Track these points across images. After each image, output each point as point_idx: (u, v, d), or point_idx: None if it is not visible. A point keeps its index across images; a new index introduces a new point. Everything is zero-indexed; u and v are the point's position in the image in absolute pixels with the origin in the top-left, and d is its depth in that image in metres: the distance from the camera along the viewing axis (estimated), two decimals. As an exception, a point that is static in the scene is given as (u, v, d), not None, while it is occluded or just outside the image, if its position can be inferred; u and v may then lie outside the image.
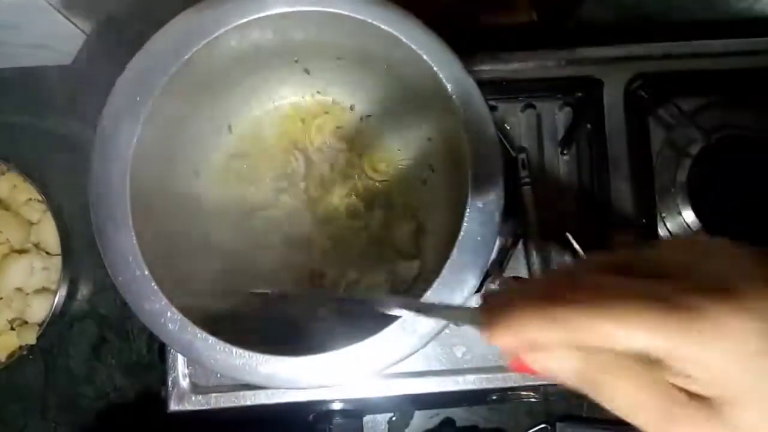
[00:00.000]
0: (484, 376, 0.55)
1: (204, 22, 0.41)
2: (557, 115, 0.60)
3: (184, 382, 0.54)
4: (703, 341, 0.22)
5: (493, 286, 0.38)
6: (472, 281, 0.39)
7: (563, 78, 0.58)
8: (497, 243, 0.43)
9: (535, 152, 0.59)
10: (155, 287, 0.37)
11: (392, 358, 0.41)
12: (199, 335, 0.37)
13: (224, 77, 0.47)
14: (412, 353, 0.41)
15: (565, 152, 0.59)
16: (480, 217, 0.39)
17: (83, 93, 0.68)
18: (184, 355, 0.41)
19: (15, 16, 0.55)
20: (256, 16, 0.41)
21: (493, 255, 0.41)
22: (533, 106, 0.60)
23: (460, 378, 0.55)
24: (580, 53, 0.58)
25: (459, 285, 0.38)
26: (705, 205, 0.59)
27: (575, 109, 0.60)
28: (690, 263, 0.24)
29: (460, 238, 0.39)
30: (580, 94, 0.59)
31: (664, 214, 0.59)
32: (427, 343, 0.40)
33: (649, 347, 0.22)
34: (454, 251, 0.38)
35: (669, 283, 0.23)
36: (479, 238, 0.38)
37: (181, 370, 0.54)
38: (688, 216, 0.59)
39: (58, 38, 0.60)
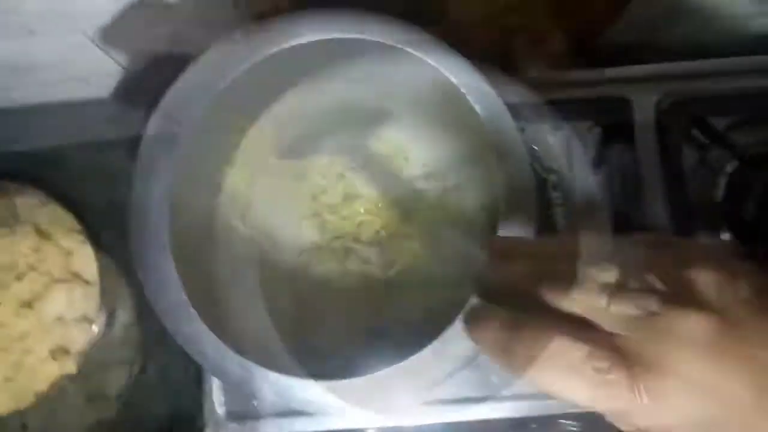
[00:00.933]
0: (523, 403, 0.54)
1: (238, 51, 0.42)
2: (587, 136, 0.60)
3: (221, 410, 0.54)
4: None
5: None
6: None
7: (592, 99, 0.58)
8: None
9: (566, 173, 0.59)
10: (194, 311, 0.37)
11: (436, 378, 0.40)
12: (236, 360, 0.37)
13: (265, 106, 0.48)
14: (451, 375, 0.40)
15: (597, 173, 0.59)
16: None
17: (120, 124, 0.70)
18: (221, 381, 0.41)
19: (57, 54, 0.57)
20: (288, 45, 0.41)
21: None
22: (563, 128, 0.60)
23: (497, 405, 0.54)
24: (608, 73, 0.59)
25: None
26: (742, 223, 0.58)
27: (605, 130, 0.60)
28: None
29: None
30: (609, 115, 0.59)
31: (700, 235, 0.58)
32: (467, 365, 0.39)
33: None
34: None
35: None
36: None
37: (217, 397, 0.54)
38: (725, 236, 0.58)
39: (97, 73, 0.62)
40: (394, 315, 0.51)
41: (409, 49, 0.40)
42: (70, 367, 0.63)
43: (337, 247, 0.54)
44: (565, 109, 0.59)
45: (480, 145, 0.43)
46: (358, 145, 0.54)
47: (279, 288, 0.51)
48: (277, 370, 0.38)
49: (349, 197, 0.55)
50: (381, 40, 0.41)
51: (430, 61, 0.41)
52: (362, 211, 0.54)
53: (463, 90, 0.41)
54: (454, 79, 0.40)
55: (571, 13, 0.60)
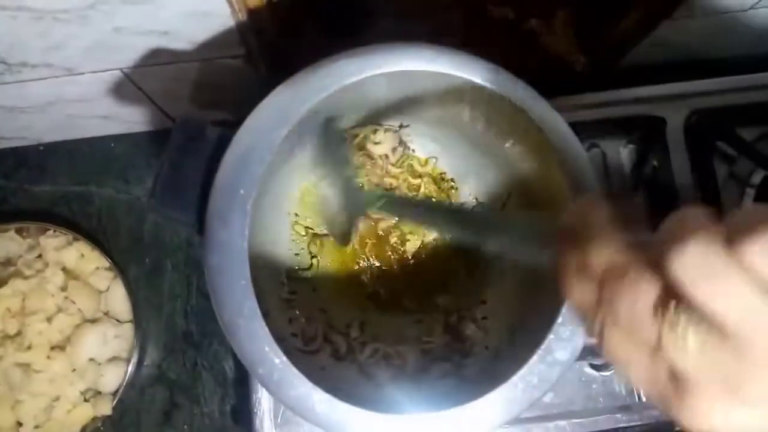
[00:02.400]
0: (574, 421, 0.55)
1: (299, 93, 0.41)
2: (622, 153, 0.61)
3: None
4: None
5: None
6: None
7: (624, 117, 0.59)
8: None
9: (603, 191, 0.60)
10: (297, 372, 0.36)
11: (490, 424, 0.39)
12: (350, 411, 0.36)
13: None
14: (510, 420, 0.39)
15: (634, 188, 0.60)
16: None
17: (144, 159, 0.69)
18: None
19: (90, 90, 0.56)
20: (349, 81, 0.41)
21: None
22: (597, 146, 0.60)
23: (550, 425, 0.55)
24: (638, 93, 0.60)
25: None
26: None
27: (639, 147, 0.61)
28: None
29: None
30: (642, 133, 0.60)
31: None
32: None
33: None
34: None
35: None
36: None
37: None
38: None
39: (126, 108, 0.62)
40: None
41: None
42: (105, 408, 0.61)
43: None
44: (598, 129, 0.60)
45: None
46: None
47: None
48: (382, 411, 0.37)
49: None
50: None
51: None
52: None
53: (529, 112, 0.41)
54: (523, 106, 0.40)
55: (597, 34, 0.61)
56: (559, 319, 0.38)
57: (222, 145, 0.41)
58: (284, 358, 0.36)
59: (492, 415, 0.37)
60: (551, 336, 0.38)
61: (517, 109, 0.41)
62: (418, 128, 0.53)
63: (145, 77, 0.56)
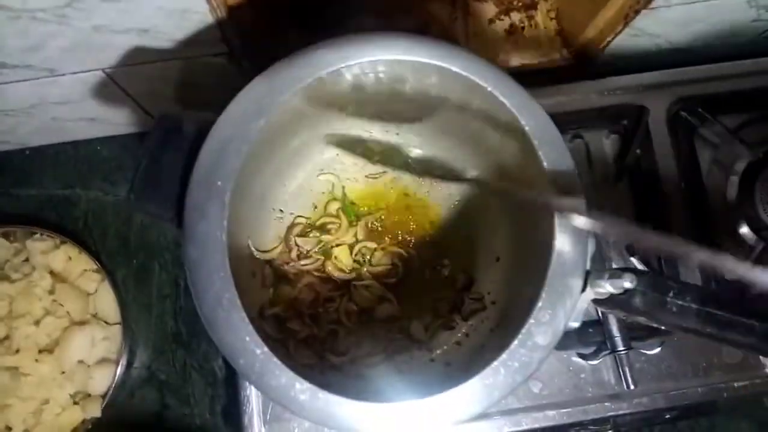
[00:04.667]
0: (563, 410, 0.55)
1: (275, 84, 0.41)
2: (605, 143, 0.61)
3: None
4: None
5: (604, 283, 0.38)
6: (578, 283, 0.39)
7: (606, 107, 0.60)
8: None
9: (588, 179, 0.60)
10: (279, 362, 0.36)
11: (471, 410, 0.39)
12: (333, 400, 0.36)
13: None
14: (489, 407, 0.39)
15: (617, 178, 0.60)
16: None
17: (131, 161, 0.69)
18: (321, 425, 0.39)
19: (73, 91, 0.56)
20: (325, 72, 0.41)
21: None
22: (581, 137, 0.61)
23: (539, 414, 0.55)
24: (619, 82, 0.60)
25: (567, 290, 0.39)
26: (759, 219, 0.60)
27: (622, 136, 0.61)
28: None
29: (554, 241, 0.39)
30: (625, 122, 0.61)
31: (719, 231, 0.60)
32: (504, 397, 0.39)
33: None
34: (554, 255, 0.39)
35: None
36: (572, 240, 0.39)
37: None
38: (744, 231, 0.59)
39: (111, 111, 0.62)
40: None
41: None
42: (94, 410, 0.61)
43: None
44: (581, 119, 0.61)
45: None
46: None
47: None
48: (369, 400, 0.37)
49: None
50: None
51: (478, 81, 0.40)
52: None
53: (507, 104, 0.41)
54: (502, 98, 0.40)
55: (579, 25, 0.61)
56: (539, 303, 0.38)
57: (201, 138, 0.41)
58: (265, 349, 0.36)
59: (473, 400, 0.37)
60: (531, 320, 0.38)
61: (493, 98, 0.41)
62: (402, 122, 0.53)
63: (128, 77, 0.56)
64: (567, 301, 0.38)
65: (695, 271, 0.57)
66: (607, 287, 0.38)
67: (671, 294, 0.37)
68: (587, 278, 0.39)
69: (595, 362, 0.56)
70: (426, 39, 0.42)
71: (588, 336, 0.56)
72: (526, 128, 0.40)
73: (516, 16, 0.66)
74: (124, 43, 0.50)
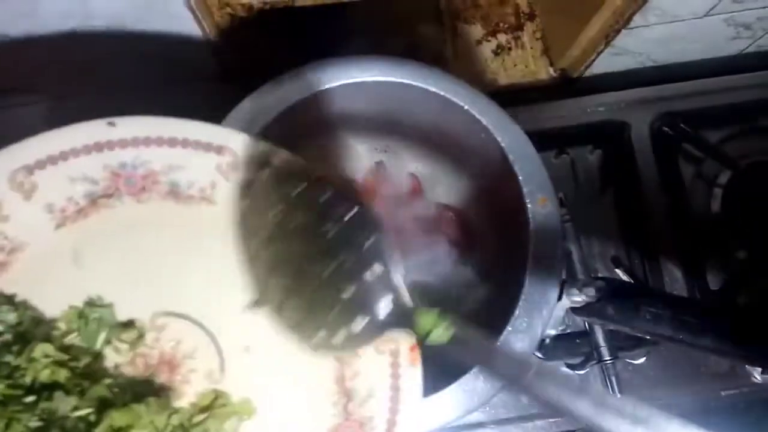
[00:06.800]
0: (552, 420, 0.56)
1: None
2: (590, 158, 0.63)
3: None
4: None
5: (577, 291, 0.39)
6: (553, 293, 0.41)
7: (591, 124, 0.62)
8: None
9: (572, 194, 0.61)
10: None
11: (450, 415, 0.40)
12: None
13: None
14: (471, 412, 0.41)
15: (602, 191, 0.62)
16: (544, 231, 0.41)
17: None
18: None
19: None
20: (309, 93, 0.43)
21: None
22: (566, 152, 0.62)
23: (528, 425, 0.56)
24: (603, 99, 0.62)
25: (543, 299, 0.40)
26: (742, 230, 0.61)
27: (605, 152, 0.63)
28: None
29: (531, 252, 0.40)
30: (608, 137, 0.62)
31: (703, 243, 0.61)
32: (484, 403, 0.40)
33: None
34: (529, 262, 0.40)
35: None
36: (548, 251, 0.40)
37: None
38: (728, 242, 0.61)
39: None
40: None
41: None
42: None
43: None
44: (565, 136, 0.62)
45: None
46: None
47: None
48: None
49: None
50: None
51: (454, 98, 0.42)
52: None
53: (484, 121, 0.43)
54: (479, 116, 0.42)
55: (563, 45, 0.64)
56: (516, 312, 0.39)
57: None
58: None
59: (452, 406, 0.39)
60: (509, 328, 0.39)
61: (473, 118, 0.43)
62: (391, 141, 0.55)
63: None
64: (543, 309, 0.39)
65: (679, 281, 0.58)
66: (580, 295, 0.39)
67: (643, 301, 0.38)
68: (563, 287, 0.41)
69: (582, 372, 0.57)
70: (407, 61, 0.45)
71: (575, 346, 0.57)
72: (502, 144, 0.42)
73: (503, 37, 0.69)
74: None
